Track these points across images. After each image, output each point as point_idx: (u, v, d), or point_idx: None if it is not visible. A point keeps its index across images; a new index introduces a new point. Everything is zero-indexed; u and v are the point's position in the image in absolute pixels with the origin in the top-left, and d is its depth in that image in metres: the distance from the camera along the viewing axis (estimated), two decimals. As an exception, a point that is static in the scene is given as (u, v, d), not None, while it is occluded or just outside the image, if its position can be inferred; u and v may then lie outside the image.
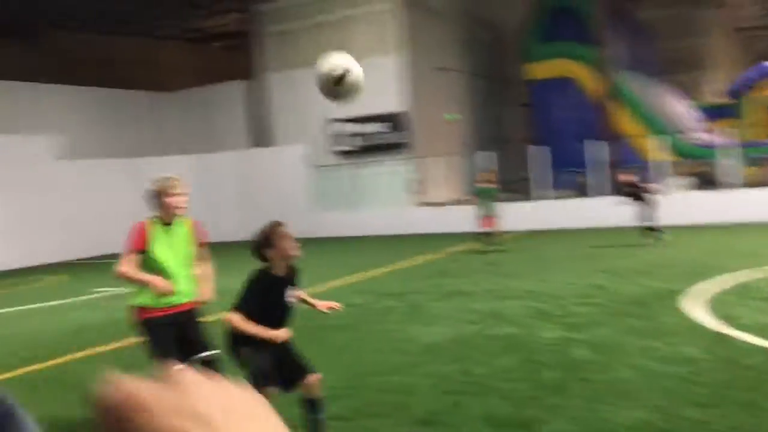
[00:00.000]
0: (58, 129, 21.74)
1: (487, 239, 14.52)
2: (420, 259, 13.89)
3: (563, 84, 23.71)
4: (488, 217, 14.43)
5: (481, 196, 14.65)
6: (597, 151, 19.04)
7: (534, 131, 24.68)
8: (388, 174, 21.38)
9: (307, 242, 14.34)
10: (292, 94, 23.58)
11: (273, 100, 24.23)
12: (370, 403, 5.02)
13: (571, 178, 22.66)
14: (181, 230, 4.65)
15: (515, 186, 23.86)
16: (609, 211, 18.01)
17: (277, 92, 24.07)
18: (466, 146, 24.19)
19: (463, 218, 20.21)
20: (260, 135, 24.51)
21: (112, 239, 21.76)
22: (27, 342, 8.43)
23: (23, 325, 9.75)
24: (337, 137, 22.77)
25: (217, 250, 18.03)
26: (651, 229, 13.18)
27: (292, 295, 4.08)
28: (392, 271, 12.52)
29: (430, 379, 5.48)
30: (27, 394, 6.00)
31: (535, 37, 24.24)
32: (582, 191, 20.25)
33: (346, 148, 22.67)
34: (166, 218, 4.58)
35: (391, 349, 6.61)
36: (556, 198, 21.12)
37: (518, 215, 19.47)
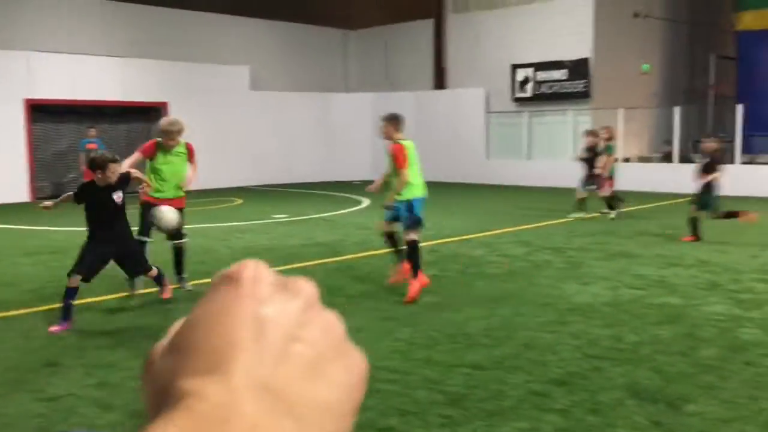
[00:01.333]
0: (251, 61, 23.06)
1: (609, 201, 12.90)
2: (588, 216, 13.31)
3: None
4: (610, 178, 12.81)
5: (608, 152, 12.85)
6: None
7: (739, 87, 22.47)
8: (566, 124, 20.52)
9: (478, 188, 14.26)
10: (475, 36, 23.16)
11: (454, 42, 23.95)
12: (510, 356, 4.95)
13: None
14: (178, 151, 7.03)
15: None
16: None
17: (460, 34, 23.73)
18: (656, 99, 22.57)
19: (643, 177, 19.11)
20: (441, 76, 24.41)
21: (298, 169, 23.17)
22: (204, 257, 9.19)
23: (201, 241, 10.63)
24: (518, 83, 22.14)
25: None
26: None
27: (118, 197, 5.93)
28: (557, 225, 12.14)
29: (577, 341, 5.29)
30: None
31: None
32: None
33: (526, 95, 22.01)
34: (165, 146, 6.97)
35: (542, 305, 6.45)
36: (756, 163, 19.27)
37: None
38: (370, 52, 26.48)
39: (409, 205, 6.69)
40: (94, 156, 6.21)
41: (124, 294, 6.94)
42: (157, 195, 6.84)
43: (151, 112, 20.40)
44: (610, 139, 13.21)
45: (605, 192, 12.83)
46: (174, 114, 20.11)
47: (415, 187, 6.77)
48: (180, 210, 6.78)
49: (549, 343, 5.24)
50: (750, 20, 21.83)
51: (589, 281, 7.43)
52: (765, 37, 21.38)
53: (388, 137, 6.85)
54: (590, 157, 12.88)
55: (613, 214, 12.58)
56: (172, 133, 6.95)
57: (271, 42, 24.56)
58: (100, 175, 5.83)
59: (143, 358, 0.41)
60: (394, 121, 6.85)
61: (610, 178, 12.96)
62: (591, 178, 12.77)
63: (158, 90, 20.25)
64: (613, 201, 12.95)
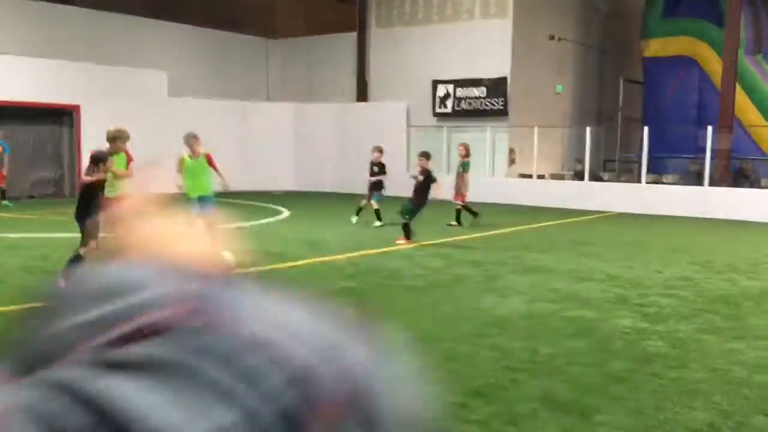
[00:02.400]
0: (169, 66, 22.56)
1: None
2: (506, 231, 13.67)
3: (682, 63, 22.48)
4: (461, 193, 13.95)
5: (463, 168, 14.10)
6: (715, 139, 17.96)
7: (645, 110, 23.62)
8: (485, 141, 21.02)
9: (399, 201, 14.32)
10: (397, 51, 23.46)
11: (377, 56, 24.17)
12: (427, 368, 5.01)
13: (680, 164, 21.65)
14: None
15: (617, 166, 23.07)
16: (722, 201, 17.21)
17: (382, 48, 23.98)
18: (568, 119, 23.45)
19: (558, 193, 19.79)
20: (363, 89, 24.57)
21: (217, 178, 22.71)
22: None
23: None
24: (439, 99, 22.54)
25: (311, 199, 18.31)
26: None
27: None
28: (476, 239, 12.40)
29: (494, 353, 5.42)
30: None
31: (656, 11, 23.01)
32: (692, 179, 19.31)
33: (447, 111, 22.43)
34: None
35: (460, 317, 6.57)
36: (661, 183, 20.27)
37: (616, 197, 18.85)
38: (293, 62, 26.39)
39: None
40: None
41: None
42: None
43: (63, 114, 19.65)
44: (466, 156, 14.18)
45: (458, 202, 13.95)
46: (87, 118, 19.45)
47: None
48: None
49: (468, 355, 5.35)
50: (655, 48, 23.03)
51: (507, 294, 7.62)
52: (669, 64, 22.59)
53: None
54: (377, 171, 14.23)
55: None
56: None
57: (191, 47, 24.13)
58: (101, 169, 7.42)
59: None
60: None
61: (461, 193, 13.88)
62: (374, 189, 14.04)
63: (71, 92, 19.51)
64: (461, 214, 13.96)
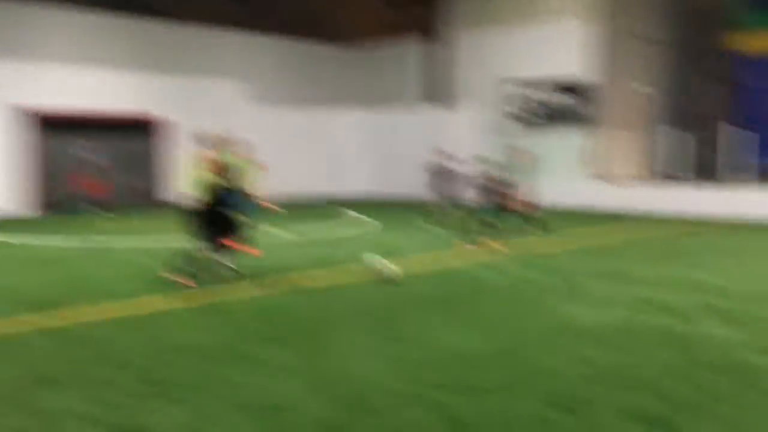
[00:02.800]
0: (251, 77, 23.09)
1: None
2: (592, 239, 13.24)
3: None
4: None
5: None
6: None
7: (738, 111, 22.46)
8: (568, 146, 20.50)
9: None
10: (475, 54, 23.19)
11: (453, 60, 23.96)
12: (510, 378, 4.86)
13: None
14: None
15: (709, 170, 22.00)
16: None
17: (458, 51, 23.75)
18: (655, 122, 22.57)
19: (645, 198, 19.06)
20: (438, 95, 24.40)
21: (292, 185, 23.08)
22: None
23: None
24: (520, 103, 22.14)
25: (386, 208, 18.21)
26: None
27: None
28: (561, 249, 12.05)
29: (578, 365, 5.20)
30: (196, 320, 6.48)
31: (748, 3, 21.86)
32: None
33: (529, 116, 22.01)
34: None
35: (545, 327, 6.36)
36: (757, 188, 19.22)
37: (710, 201, 17.98)
38: (371, 69, 26.53)
39: None
40: None
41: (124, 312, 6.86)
42: None
43: (150, 125, 20.36)
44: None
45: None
46: (177, 129, 20.06)
47: None
48: None
49: (551, 366, 5.14)
50: (749, 43, 21.86)
51: (592, 304, 7.33)
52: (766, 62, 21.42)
53: None
54: None
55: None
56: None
57: (272, 58, 24.51)
58: None
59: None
60: None
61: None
62: None
63: (159, 103, 20.23)
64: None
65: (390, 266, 8.48)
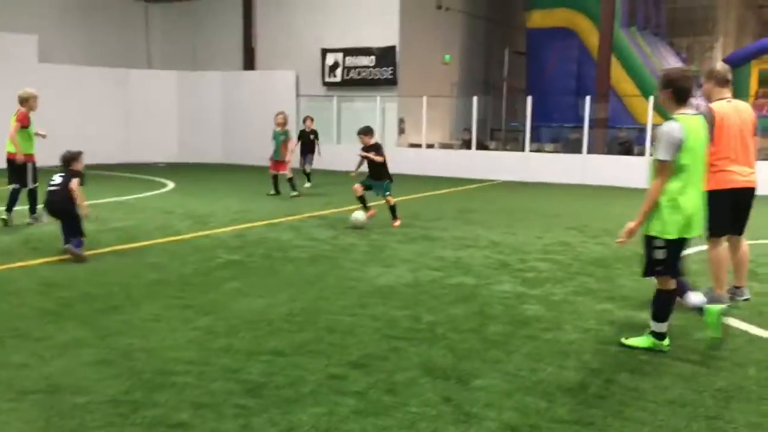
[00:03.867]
0: (40, 30, 21.04)
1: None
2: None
3: (563, 35, 23.24)
4: (277, 162, 14.38)
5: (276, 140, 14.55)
6: (593, 108, 18.73)
7: (529, 81, 24.30)
8: (374, 111, 20.99)
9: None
10: (285, 18, 22.92)
11: (264, 23, 23.52)
12: (309, 340, 4.94)
13: (560, 133, 22.49)
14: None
15: (501, 135, 23.68)
16: (598, 168, 18.06)
17: (269, 15, 23.36)
18: (456, 89, 23.78)
19: (446, 162, 20.10)
20: (250, 57, 23.89)
21: (96, 149, 21.52)
22: None
23: (-19, 228, 9.54)
24: (328, 68, 22.25)
25: (196, 171, 17.89)
26: None
27: None
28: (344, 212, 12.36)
29: (376, 323, 5.40)
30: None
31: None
32: (571, 147, 20.09)
33: (336, 80, 22.20)
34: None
35: (345, 288, 6.52)
36: (544, 151, 20.97)
37: (501, 165, 19.36)
38: (175, 27, 25.26)
39: None
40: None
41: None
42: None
43: None
44: (282, 125, 14.60)
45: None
46: (-55, 84, 17.88)
47: None
48: None
49: (349, 326, 5.30)
50: (538, 19, 23.68)
51: (391, 264, 7.64)
52: (550, 35, 23.31)
53: None
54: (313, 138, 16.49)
55: (295, 193, 14.10)
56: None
57: (63, 10, 22.58)
58: None
59: None
60: None
61: (277, 161, 14.39)
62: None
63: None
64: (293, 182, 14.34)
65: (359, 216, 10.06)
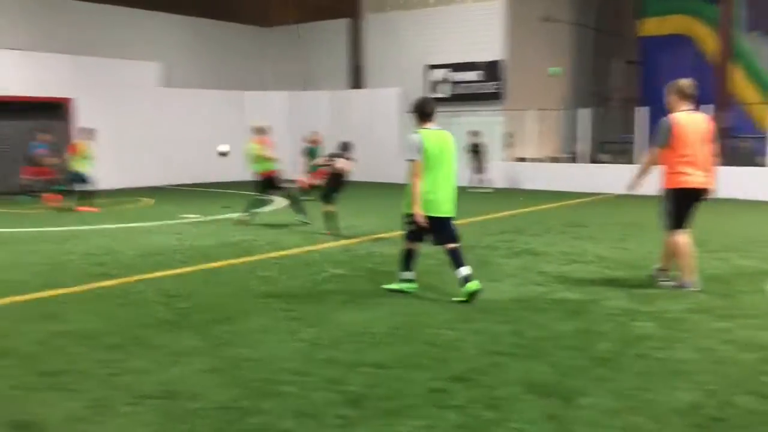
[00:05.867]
0: (162, 57, 22.40)
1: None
2: (498, 214, 13.59)
3: (679, 42, 22.30)
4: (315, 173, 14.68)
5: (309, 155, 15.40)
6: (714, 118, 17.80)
7: (642, 90, 23.45)
8: (481, 125, 20.89)
9: (393, 187, 14.31)
10: (391, 36, 23.28)
11: (371, 42, 23.99)
12: (412, 354, 4.96)
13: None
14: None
15: (612, 147, 22.93)
16: (720, 180, 17.08)
17: (376, 34, 23.80)
18: (565, 101, 23.30)
19: (555, 176, 19.68)
20: (358, 76, 24.41)
21: (212, 168, 22.62)
22: (103, 259, 8.85)
23: (106, 242, 10.23)
24: (433, 84, 22.38)
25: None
26: None
27: None
28: (467, 224, 12.31)
29: (479, 337, 5.35)
30: (91, 306, 6.30)
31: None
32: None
33: (442, 96, 22.28)
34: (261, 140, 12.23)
35: (447, 302, 6.50)
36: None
37: (613, 179, 18.73)
38: (287, 51, 26.22)
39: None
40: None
41: (15, 298, 6.59)
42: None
43: (56, 108, 19.55)
44: (317, 142, 15.53)
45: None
46: (81, 110, 19.34)
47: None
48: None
49: (451, 340, 5.28)
50: (652, 26, 22.84)
51: (495, 278, 7.55)
52: (665, 43, 22.41)
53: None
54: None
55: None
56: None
57: (184, 38, 23.98)
58: None
59: None
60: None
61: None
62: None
63: (64, 85, 19.40)
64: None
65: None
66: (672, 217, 6.96)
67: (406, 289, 6.81)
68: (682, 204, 6.91)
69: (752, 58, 21.22)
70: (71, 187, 14.84)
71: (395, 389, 4.25)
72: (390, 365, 4.70)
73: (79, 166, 14.63)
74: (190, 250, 9.52)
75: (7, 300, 6.67)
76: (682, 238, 6.96)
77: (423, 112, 6.63)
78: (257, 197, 12.50)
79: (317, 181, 14.70)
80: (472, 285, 6.40)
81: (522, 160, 20.89)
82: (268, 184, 12.27)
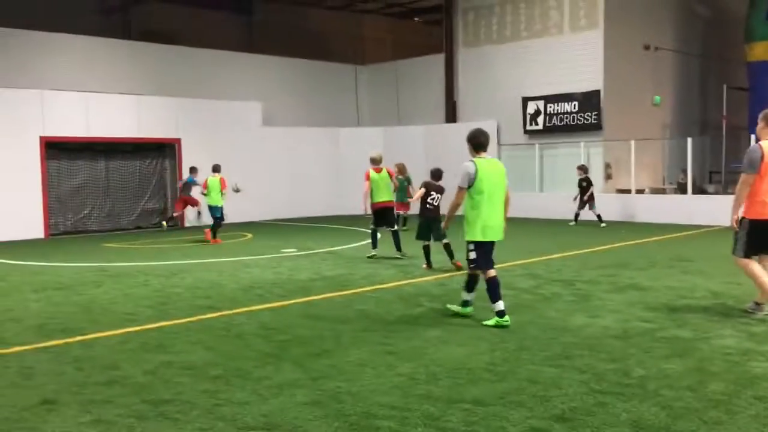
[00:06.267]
0: (263, 97, 23.27)
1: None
2: (602, 248, 13.17)
3: (790, 66, 21.16)
4: (401, 203, 15.45)
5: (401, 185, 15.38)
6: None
7: (751, 118, 22.32)
8: (578, 156, 20.46)
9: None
10: (485, 70, 23.28)
11: (465, 76, 24.06)
12: (511, 391, 4.84)
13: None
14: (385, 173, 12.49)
15: (723, 177, 21.86)
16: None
17: (470, 68, 23.85)
18: (668, 130, 22.50)
19: (659, 208, 18.94)
20: (452, 110, 24.50)
21: (309, 204, 23.18)
22: (208, 292, 9.17)
23: (211, 275, 10.61)
24: (530, 115, 22.16)
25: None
26: None
27: None
28: (562, 258, 12.00)
29: (581, 375, 5.17)
30: (196, 337, 6.52)
31: (760, 13, 21.79)
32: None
33: (538, 127, 22.01)
34: (376, 169, 12.51)
35: (547, 338, 6.33)
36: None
37: (722, 210, 17.82)
38: (382, 87, 26.67)
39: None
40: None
41: (127, 330, 6.93)
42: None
43: (165, 148, 20.61)
44: (400, 173, 15.66)
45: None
46: (186, 150, 20.33)
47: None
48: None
49: (553, 377, 5.12)
50: (760, 51, 21.80)
51: (598, 314, 7.30)
52: (776, 68, 21.30)
53: None
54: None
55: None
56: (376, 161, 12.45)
57: (284, 78, 24.83)
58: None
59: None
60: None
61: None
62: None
63: (171, 126, 20.46)
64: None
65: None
66: (745, 245, 6.92)
67: (462, 313, 7.25)
68: (761, 235, 6.86)
69: None
70: (215, 222, 15.92)
71: (495, 427, 4.15)
72: (489, 402, 4.60)
73: (214, 201, 15.70)
74: (289, 283, 9.73)
75: (120, 331, 7.01)
76: (754, 264, 6.92)
77: (477, 142, 7.02)
78: (372, 228, 12.55)
79: (403, 212, 15.60)
80: (503, 320, 6.77)
81: (623, 191, 20.25)
82: (382, 214, 12.35)
